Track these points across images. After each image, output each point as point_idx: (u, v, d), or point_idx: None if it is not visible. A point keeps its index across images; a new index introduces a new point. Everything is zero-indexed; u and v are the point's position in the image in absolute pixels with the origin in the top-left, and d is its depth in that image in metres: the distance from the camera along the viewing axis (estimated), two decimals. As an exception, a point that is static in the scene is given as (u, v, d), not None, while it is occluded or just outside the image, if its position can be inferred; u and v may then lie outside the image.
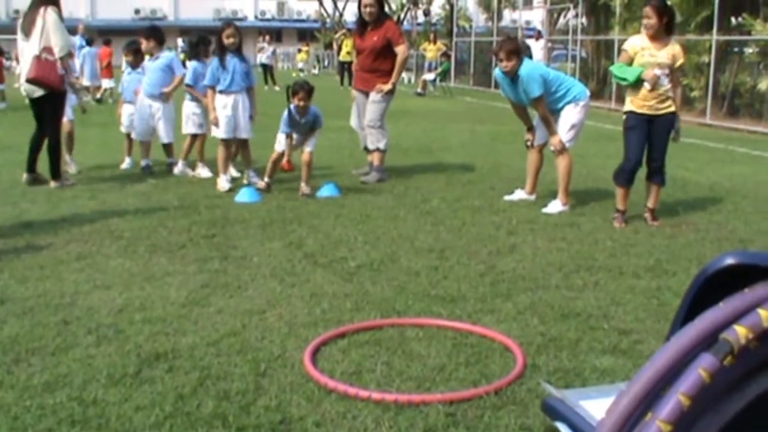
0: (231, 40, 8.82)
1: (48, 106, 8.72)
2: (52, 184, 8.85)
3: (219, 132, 8.91)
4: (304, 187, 8.47)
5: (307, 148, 8.52)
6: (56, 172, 8.91)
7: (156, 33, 10.27)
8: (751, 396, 1.65)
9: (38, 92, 8.60)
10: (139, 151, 10.22)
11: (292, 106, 8.36)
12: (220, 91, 8.83)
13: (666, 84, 7.15)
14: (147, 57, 10.26)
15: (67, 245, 6.34)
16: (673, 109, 7.23)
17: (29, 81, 8.51)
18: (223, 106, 8.84)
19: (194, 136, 9.84)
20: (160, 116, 10.08)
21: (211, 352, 4.13)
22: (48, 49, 8.51)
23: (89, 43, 23.25)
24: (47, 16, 8.56)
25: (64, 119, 9.70)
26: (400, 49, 9.53)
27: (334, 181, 8.96)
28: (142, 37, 10.22)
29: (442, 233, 6.91)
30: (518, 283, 5.46)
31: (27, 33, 8.65)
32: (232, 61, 8.82)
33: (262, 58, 32.63)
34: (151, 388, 3.67)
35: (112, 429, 3.29)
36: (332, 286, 5.32)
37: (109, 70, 21.57)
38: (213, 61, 9.02)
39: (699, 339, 1.63)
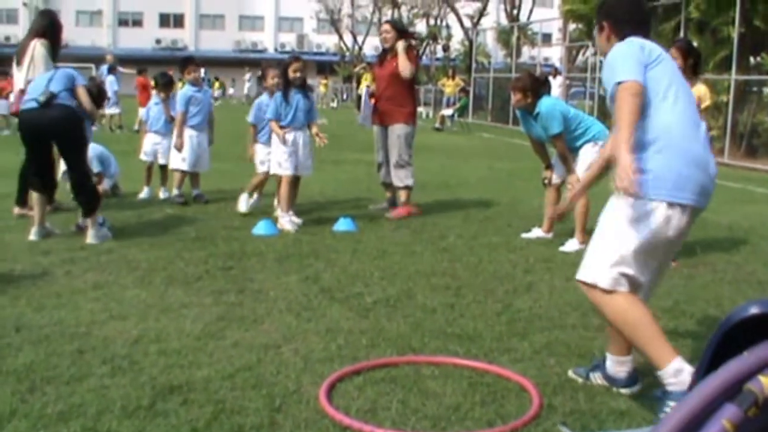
0: (298, 74, 8.61)
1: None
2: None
3: (280, 169, 8.63)
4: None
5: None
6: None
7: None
8: (775, 447, 1.63)
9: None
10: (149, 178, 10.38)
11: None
12: (281, 127, 8.58)
13: None
14: (192, 87, 10.20)
15: (84, 274, 6.36)
16: None
17: (13, 114, 8.46)
18: (283, 142, 8.57)
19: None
20: (205, 146, 10.29)
21: (226, 385, 4.11)
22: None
23: (111, 71, 23.50)
24: (36, 49, 8.54)
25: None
26: (408, 64, 9.38)
27: (350, 215, 8.95)
28: (192, 65, 10.28)
29: (458, 270, 6.90)
30: (535, 322, 5.43)
31: (19, 62, 8.67)
32: (296, 96, 8.64)
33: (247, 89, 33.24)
34: (165, 421, 3.65)
35: (125, 462, 3.28)
36: (348, 322, 5.30)
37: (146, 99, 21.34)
38: (276, 95, 8.74)
39: (723, 389, 1.61)
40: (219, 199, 10.30)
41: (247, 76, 49.49)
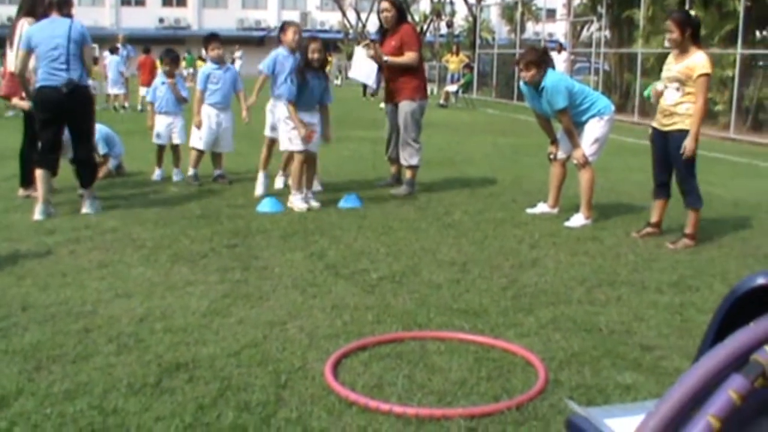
0: (317, 55, 8.27)
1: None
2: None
3: (291, 145, 8.42)
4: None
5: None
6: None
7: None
8: (783, 419, 1.62)
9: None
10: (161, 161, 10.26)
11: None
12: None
13: (672, 99, 6.98)
14: (212, 65, 9.95)
15: (89, 253, 6.36)
16: (679, 126, 6.99)
17: (2, 97, 8.32)
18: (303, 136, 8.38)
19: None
20: (227, 126, 9.97)
21: (232, 362, 4.12)
22: None
23: (113, 51, 23.41)
24: (21, 29, 8.24)
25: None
26: (409, 55, 9.24)
27: (356, 192, 8.93)
28: (215, 42, 9.91)
29: (464, 246, 6.89)
30: (540, 297, 5.43)
31: (10, 43, 8.42)
32: (313, 79, 8.35)
33: (237, 66, 33.09)
34: (171, 398, 3.66)
35: (132, 439, 3.28)
36: (354, 298, 5.30)
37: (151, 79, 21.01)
38: (293, 77, 8.39)
39: (729, 360, 1.60)
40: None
41: (238, 53, 48.85)
